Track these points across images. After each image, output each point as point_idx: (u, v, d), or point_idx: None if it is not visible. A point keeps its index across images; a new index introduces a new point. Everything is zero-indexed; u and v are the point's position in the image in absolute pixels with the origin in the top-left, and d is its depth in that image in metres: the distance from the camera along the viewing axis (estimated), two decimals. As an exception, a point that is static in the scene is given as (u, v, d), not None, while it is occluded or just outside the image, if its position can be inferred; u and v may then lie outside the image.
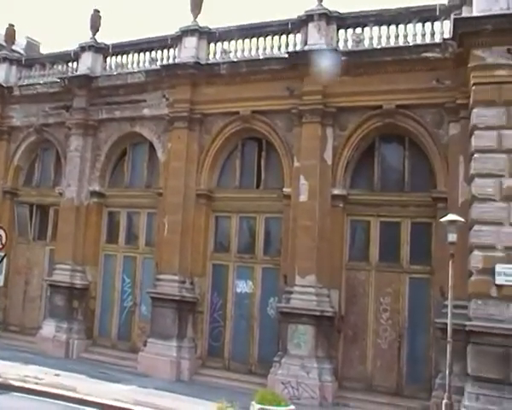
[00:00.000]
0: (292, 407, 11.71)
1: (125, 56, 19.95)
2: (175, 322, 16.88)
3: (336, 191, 15.71)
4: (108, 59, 20.24)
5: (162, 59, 19.05)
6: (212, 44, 18.37)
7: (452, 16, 14.84)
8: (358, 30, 16.32)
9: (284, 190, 16.34)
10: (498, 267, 12.68)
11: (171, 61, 18.74)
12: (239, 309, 16.93)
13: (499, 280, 12.62)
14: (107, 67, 20.17)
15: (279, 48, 17.23)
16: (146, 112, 18.78)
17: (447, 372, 12.04)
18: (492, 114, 13.62)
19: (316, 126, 15.99)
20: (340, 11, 16.48)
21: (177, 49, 18.71)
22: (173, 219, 17.40)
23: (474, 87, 13.93)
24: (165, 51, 19.11)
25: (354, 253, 15.88)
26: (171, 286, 17.07)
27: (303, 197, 15.83)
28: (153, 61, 19.23)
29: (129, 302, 18.66)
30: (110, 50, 20.19)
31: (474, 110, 13.81)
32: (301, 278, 15.43)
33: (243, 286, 16.89)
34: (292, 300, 15.41)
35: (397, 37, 15.75)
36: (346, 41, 16.40)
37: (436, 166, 14.83)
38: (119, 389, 14.52)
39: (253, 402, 11.40)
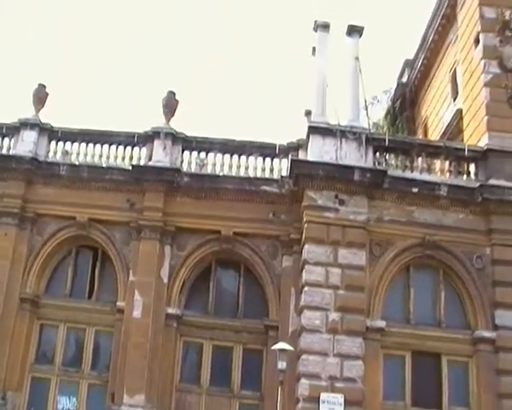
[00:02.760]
0: None
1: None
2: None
3: (170, 310, 16.36)
4: None
5: (-6, 147, 18.41)
6: (53, 142, 18.29)
7: (290, 156, 16.96)
8: (203, 154, 17.68)
9: (118, 303, 16.58)
10: (323, 396, 14.18)
11: (4, 152, 18.19)
12: (59, 430, 16.20)
13: (323, 408, 14.10)
14: None
15: (123, 159, 17.85)
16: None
17: None
18: (321, 252, 15.68)
19: (154, 243, 16.66)
20: (187, 134, 17.72)
21: (13, 141, 18.27)
22: (-12, 323, 16.47)
23: (306, 225, 15.95)
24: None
25: (186, 375, 16.45)
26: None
27: (136, 313, 16.19)
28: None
29: None
30: None
31: (306, 246, 15.74)
32: (130, 397, 15.55)
33: (66, 403, 16.38)
34: (118, 420, 15.35)
35: (239, 167, 17.37)
36: (190, 163, 17.60)
37: (269, 295, 16.30)
38: None
39: None
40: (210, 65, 50.82)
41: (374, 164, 16.75)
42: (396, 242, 16.06)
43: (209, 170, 17.41)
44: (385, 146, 17.05)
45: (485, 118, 17.22)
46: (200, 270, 17.04)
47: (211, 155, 17.55)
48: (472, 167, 16.92)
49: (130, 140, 17.97)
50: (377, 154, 16.97)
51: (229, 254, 16.90)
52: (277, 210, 16.69)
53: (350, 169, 16.17)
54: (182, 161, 17.51)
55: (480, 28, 18.15)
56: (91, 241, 17.45)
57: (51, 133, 18.29)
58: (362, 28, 17.92)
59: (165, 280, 16.53)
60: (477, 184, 16.39)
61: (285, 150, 17.38)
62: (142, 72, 50.33)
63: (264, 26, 59.10)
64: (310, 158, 16.57)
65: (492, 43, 17.87)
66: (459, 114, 19.38)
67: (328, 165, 16.29)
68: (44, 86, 18.70)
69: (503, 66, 17.66)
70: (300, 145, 17.27)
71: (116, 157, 17.89)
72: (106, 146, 18.03)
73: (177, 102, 18.18)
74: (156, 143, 17.54)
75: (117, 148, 17.98)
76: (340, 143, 16.64)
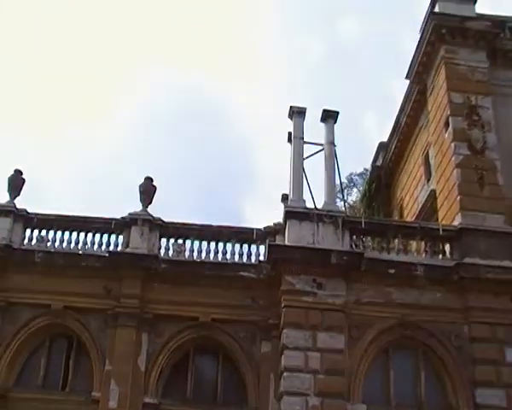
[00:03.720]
0: None
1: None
2: None
3: (148, 400, 16.16)
4: None
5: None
6: (28, 229, 18.38)
7: (267, 241, 17.27)
8: (180, 240, 17.94)
9: (93, 393, 16.33)
10: None
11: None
12: None
13: None
14: None
15: (100, 246, 18.00)
16: None
17: None
18: (300, 336, 15.79)
19: (131, 331, 16.63)
20: (164, 219, 18.03)
21: (-14, 228, 18.31)
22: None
23: (284, 309, 16.10)
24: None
25: None
26: None
27: (112, 403, 15.98)
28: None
29: None
30: None
31: (284, 331, 15.83)
32: None
33: None
34: None
35: (216, 253, 17.62)
36: (167, 249, 17.83)
37: (248, 381, 16.25)
38: None
39: None
40: (187, 150, 51.88)
41: (351, 247, 17.12)
42: (375, 323, 16.21)
43: (187, 256, 17.64)
44: (361, 228, 17.47)
45: (458, 198, 17.84)
46: (179, 357, 16.94)
47: (188, 241, 17.82)
48: (447, 247, 17.35)
49: (107, 226, 18.17)
50: (354, 236, 17.36)
51: (207, 341, 16.91)
52: (256, 295, 16.85)
53: (327, 252, 16.49)
54: (159, 248, 17.73)
55: (449, 112, 19.07)
56: (66, 329, 17.30)
57: (27, 220, 18.36)
58: (337, 113, 18.68)
59: (143, 368, 16.41)
60: (453, 263, 16.77)
61: (262, 235, 17.73)
62: (120, 158, 51.26)
63: (242, 110, 61.10)
64: (287, 243, 16.90)
65: (461, 127, 18.72)
66: (433, 195, 20.00)
67: (305, 249, 16.63)
68: (21, 172, 18.96)
69: (473, 148, 18.47)
70: (277, 230, 17.65)
71: (93, 244, 18.03)
72: (82, 233, 18.18)
73: (154, 188, 18.59)
74: (133, 229, 17.77)
75: (94, 234, 18.13)
76: (317, 226, 17.02)
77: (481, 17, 20.41)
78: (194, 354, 17.03)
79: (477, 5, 20.69)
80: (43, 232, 18.42)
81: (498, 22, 20.30)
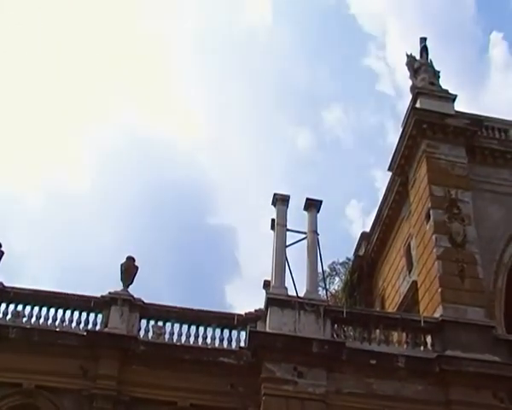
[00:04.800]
0: None
1: None
2: None
3: None
4: None
5: None
6: (3, 304, 18.01)
7: (248, 327, 17.32)
8: (160, 323, 17.88)
9: None
10: None
11: None
12: None
13: None
14: None
15: (78, 324, 17.77)
16: None
17: None
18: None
19: (107, 414, 16.34)
20: (145, 300, 18.04)
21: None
22: None
23: (264, 397, 16.08)
24: None
25: None
26: None
27: None
28: None
29: None
30: None
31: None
32: None
33: None
34: None
35: (196, 337, 17.59)
36: (147, 331, 17.73)
37: None
38: None
39: None
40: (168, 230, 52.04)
41: (332, 336, 17.29)
42: (355, 414, 16.20)
43: (166, 339, 17.55)
44: (343, 318, 17.68)
45: (439, 290, 18.23)
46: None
47: (168, 323, 17.77)
48: (428, 338, 17.58)
49: (85, 304, 18.02)
50: (335, 325, 17.58)
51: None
52: (235, 382, 16.75)
53: (308, 341, 16.62)
54: (139, 329, 17.65)
55: (430, 205, 19.71)
56: (38, 410, 16.87)
57: (2, 293, 18.02)
58: (320, 202, 19.20)
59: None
60: (434, 355, 16.96)
61: (243, 321, 17.80)
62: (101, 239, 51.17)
63: (227, 195, 61.90)
64: (268, 329, 17.02)
65: (442, 219, 19.34)
66: (414, 286, 20.37)
67: (286, 337, 16.75)
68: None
69: (453, 240, 19.03)
70: (259, 316, 17.75)
71: (71, 321, 17.80)
72: (60, 309, 17.95)
73: (136, 268, 18.69)
74: (113, 309, 17.68)
75: (72, 312, 17.92)
76: (299, 314, 17.20)
77: (460, 115, 21.46)
78: (171, 443, 16.70)
79: (457, 103, 21.83)
80: (20, 307, 18.12)
81: (476, 120, 21.36)
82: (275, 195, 19.25)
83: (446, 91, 22.23)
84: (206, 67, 63.03)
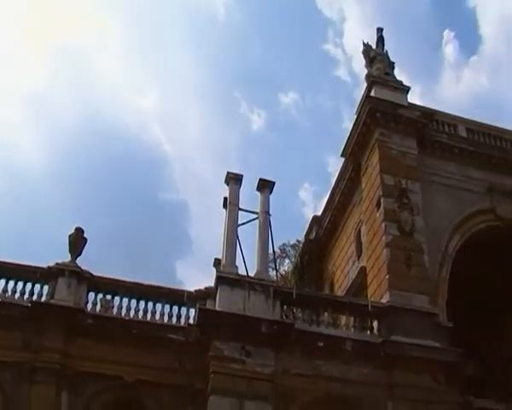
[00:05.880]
0: None
1: None
2: None
3: None
4: None
5: None
6: None
7: (198, 305, 17.36)
8: (109, 296, 17.70)
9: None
10: None
11: None
12: None
13: None
14: None
15: (22, 294, 17.39)
16: None
17: None
18: (226, 404, 15.92)
19: (49, 387, 16.05)
20: (94, 273, 17.79)
21: None
22: None
23: (211, 375, 16.16)
24: None
25: None
26: None
27: None
28: None
29: None
30: None
31: (211, 397, 15.88)
32: None
33: None
34: None
35: (145, 312, 17.49)
36: (94, 304, 17.54)
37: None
38: None
39: None
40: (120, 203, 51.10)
41: (281, 317, 17.54)
42: (302, 395, 16.54)
43: (115, 313, 17.41)
44: (292, 299, 17.91)
45: (387, 276, 18.73)
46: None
47: (117, 297, 17.61)
48: (375, 323, 18.07)
49: (30, 275, 17.65)
50: (285, 307, 17.83)
51: (130, 403, 16.56)
52: (183, 359, 16.78)
53: (257, 321, 16.80)
54: (86, 302, 17.42)
55: (381, 193, 20.17)
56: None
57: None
58: (273, 183, 19.35)
59: (60, 427, 15.83)
60: (380, 340, 17.46)
61: (193, 298, 17.84)
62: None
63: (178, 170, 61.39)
64: (218, 308, 17.10)
65: (392, 208, 19.83)
66: (363, 272, 20.83)
67: (235, 316, 16.87)
68: None
69: (402, 229, 19.55)
70: (209, 294, 17.83)
71: (14, 292, 17.40)
72: (3, 280, 17.53)
73: (84, 239, 18.40)
74: (60, 280, 17.39)
75: (15, 282, 17.52)
76: (249, 294, 17.35)
77: (413, 107, 21.99)
78: (116, 416, 16.63)
79: (410, 95, 22.37)
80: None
81: (427, 114, 21.97)
82: (228, 173, 19.28)
83: (400, 83, 22.72)
84: (162, 38, 62.50)
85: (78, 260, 17.98)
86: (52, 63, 58.25)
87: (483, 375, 19.63)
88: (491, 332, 23.39)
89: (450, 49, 64.87)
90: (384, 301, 18.34)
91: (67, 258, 17.93)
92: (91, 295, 17.64)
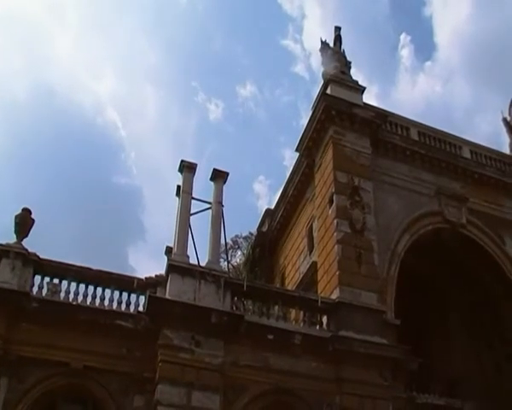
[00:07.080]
0: None
1: None
2: None
3: None
4: None
5: None
6: None
7: (147, 292, 17.22)
8: (56, 280, 17.31)
9: None
10: None
11: None
12: None
13: None
14: None
15: (-40, 276, 16.81)
16: None
17: None
18: (175, 393, 15.82)
19: (-10, 373, 15.61)
20: (41, 256, 17.31)
21: None
22: None
23: (160, 364, 16.08)
24: None
25: None
26: None
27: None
28: None
29: None
30: None
31: (159, 386, 15.78)
32: None
33: None
34: None
35: (94, 298, 17.18)
36: (41, 288, 17.06)
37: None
38: None
39: None
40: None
41: (231, 308, 17.60)
42: (250, 387, 16.64)
43: (62, 297, 17.02)
44: (243, 291, 18.03)
45: (337, 273, 19.04)
46: (44, 404, 16.01)
47: (65, 281, 17.23)
48: (324, 318, 18.36)
49: (-27, 256, 17.14)
50: (235, 298, 17.91)
51: (76, 390, 16.29)
52: (131, 346, 16.59)
53: (207, 311, 16.82)
54: (32, 285, 16.94)
55: (333, 190, 20.48)
56: None
57: None
58: (226, 174, 19.38)
59: (-1, 414, 15.42)
60: (329, 335, 17.76)
61: (143, 285, 17.64)
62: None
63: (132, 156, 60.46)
64: (168, 296, 17.01)
65: (344, 205, 20.18)
66: (314, 267, 21.11)
67: (185, 305, 16.83)
68: None
69: (353, 226, 19.91)
70: (159, 282, 17.68)
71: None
72: None
73: (32, 220, 17.92)
74: (4, 262, 16.82)
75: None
76: (199, 284, 17.35)
77: (368, 107, 22.42)
78: (62, 404, 16.24)
79: (365, 96, 22.78)
80: None
81: (381, 115, 22.47)
82: (182, 161, 19.18)
83: (356, 82, 23.12)
84: (120, 20, 61.58)
85: (25, 243, 17.53)
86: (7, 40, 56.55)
87: (428, 371, 20.24)
88: (437, 330, 24.14)
89: (406, 52, 66.74)
90: (334, 296, 18.66)
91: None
92: (38, 278, 17.16)
